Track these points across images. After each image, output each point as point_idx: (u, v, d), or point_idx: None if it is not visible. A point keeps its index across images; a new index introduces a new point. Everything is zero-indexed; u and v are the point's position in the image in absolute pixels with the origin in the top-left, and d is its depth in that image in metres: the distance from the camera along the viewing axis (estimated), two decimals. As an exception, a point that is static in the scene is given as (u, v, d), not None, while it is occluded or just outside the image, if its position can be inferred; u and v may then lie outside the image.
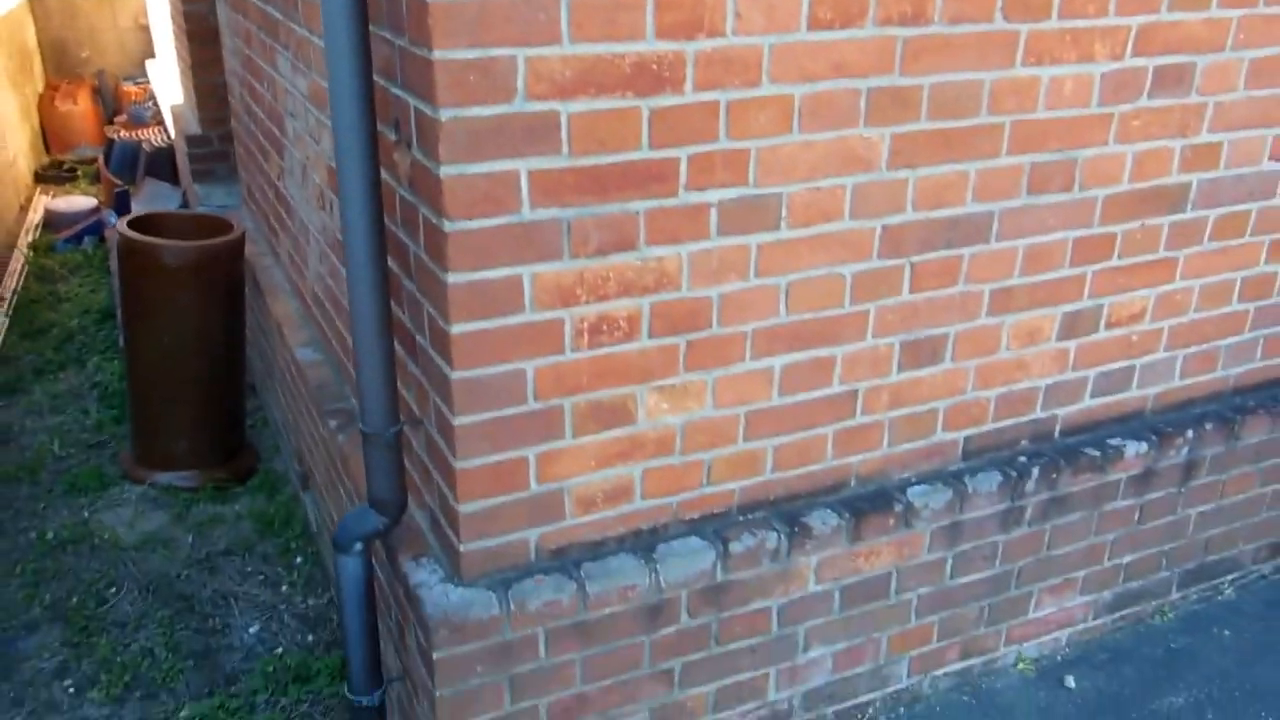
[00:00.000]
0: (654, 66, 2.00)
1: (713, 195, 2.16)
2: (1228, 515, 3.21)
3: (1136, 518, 3.02)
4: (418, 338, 2.25)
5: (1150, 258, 2.73)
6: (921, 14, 2.18)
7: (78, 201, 7.50)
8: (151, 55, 8.95)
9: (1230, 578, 3.34)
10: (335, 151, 2.06)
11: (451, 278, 2.01)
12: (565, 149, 2.00)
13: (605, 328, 2.18)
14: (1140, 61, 2.46)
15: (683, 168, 2.10)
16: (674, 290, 2.20)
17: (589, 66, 1.95)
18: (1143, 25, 2.42)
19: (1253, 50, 2.59)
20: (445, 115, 1.89)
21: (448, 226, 1.97)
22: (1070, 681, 2.99)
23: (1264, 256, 2.92)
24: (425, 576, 2.33)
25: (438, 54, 1.85)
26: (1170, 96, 2.55)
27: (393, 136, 2.17)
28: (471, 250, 2.01)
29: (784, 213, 2.23)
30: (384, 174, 2.22)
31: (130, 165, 7.17)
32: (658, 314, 2.21)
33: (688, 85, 2.04)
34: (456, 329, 2.05)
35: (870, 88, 2.20)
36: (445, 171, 1.94)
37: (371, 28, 2.05)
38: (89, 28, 9.98)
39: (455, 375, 2.09)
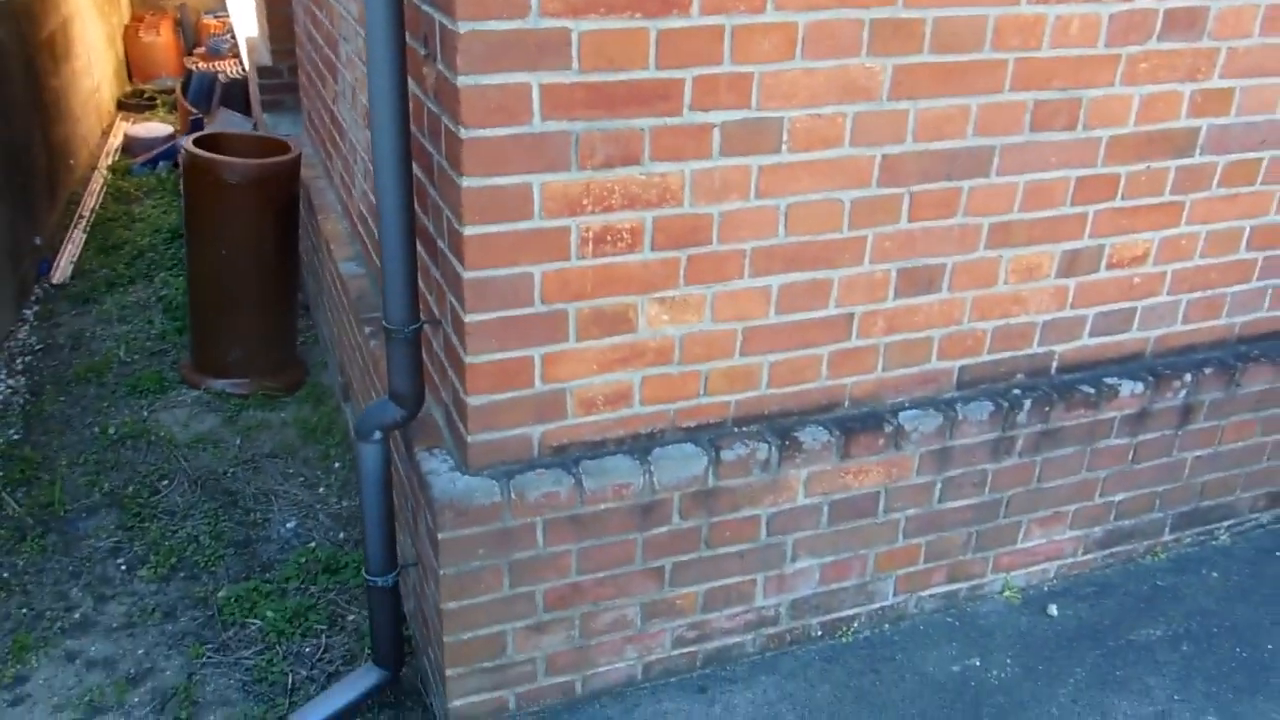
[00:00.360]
0: (662, -11, 2.11)
1: (716, 116, 2.26)
2: (1225, 461, 3.25)
3: (1130, 457, 3.08)
4: (439, 242, 2.41)
5: (1155, 201, 2.77)
6: (927, -53, 2.26)
7: (155, 128, 7.82)
8: (232, -10, 9.21)
9: (1226, 524, 3.38)
10: (368, 63, 2.21)
11: (466, 182, 2.16)
12: (575, 65, 2.12)
13: (609, 238, 2.31)
14: (1150, 3, 2.50)
15: (687, 88, 2.21)
16: (676, 206, 2.32)
17: (600, -14, 2.07)
18: (1154, -33, 2.46)
19: (1269, -5, 2.61)
20: (464, 28, 2.03)
21: (464, 134, 2.12)
22: (1053, 610, 3.08)
23: (1275, 206, 2.93)
24: (436, 465, 2.51)
25: (457, -26, 1.99)
26: (1181, 40, 2.58)
27: (422, 51, 2.31)
28: (485, 157, 2.15)
29: (785, 136, 2.33)
30: (414, 88, 2.37)
31: (206, 95, 7.45)
32: (660, 228, 2.33)
33: (694, 8, 2.15)
34: (469, 230, 2.20)
35: (873, 18, 2.28)
36: (463, 81, 2.07)
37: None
38: (174, -38, 10.29)
39: (467, 275, 2.25)
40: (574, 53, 2.11)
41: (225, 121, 6.84)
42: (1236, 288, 3.03)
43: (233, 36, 8.74)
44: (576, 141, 2.19)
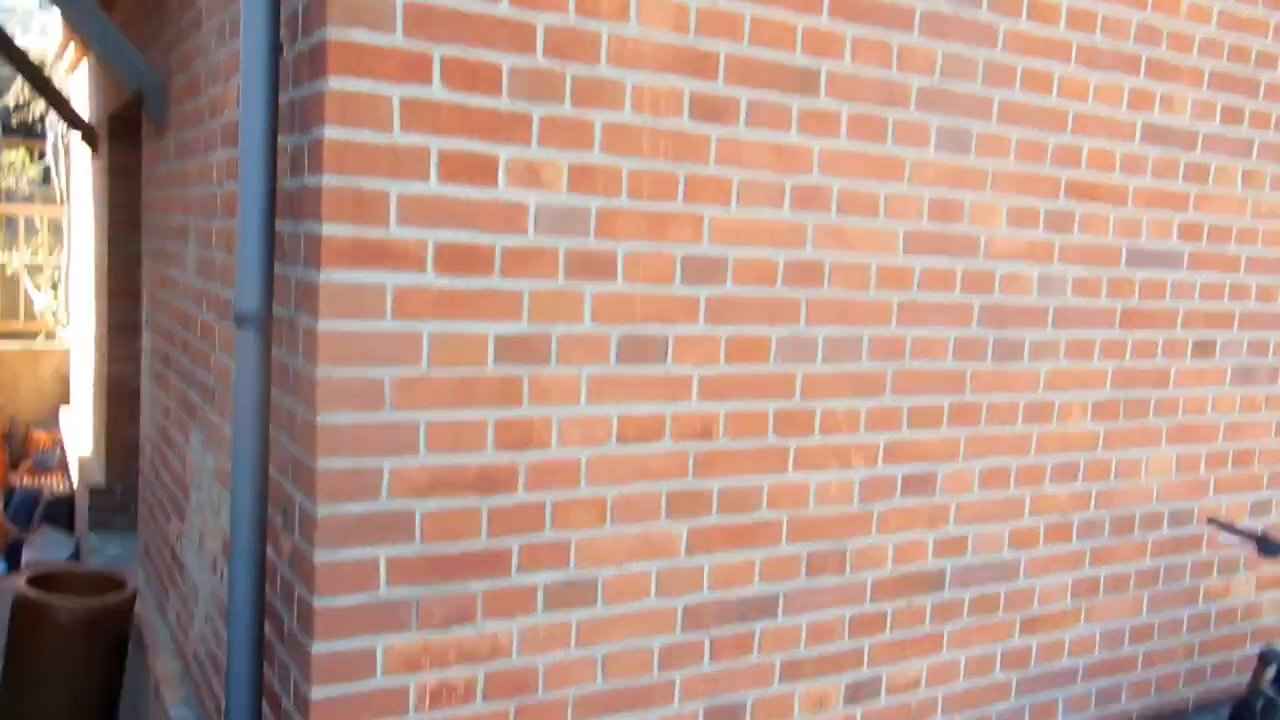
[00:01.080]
0: (492, 473, 2.52)
1: (540, 577, 2.62)
2: None
3: None
4: (284, 700, 2.57)
5: (919, 632, 3.23)
6: (709, 433, 2.79)
7: (-32, 547, 7.60)
8: (66, 402, 9.38)
9: None
10: (230, 522, 2.47)
11: (315, 648, 2.38)
12: (418, 539, 2.46)
13: (445, 693, 2.53)
14: (891, 469, 3.10)
15: (515, 555, 2.58)
16: (505, 659, 2.60)
17: (440, 473, 2.46)
18: (889, 441, 3.07)
19: (982, 460, 3.26)
20: (322, 512, 2.36)
21: (316, 603, 2.37)
22: None
23: (1017, 631, 3.43)
24: None
25: (321, 463, 2.34)
26: (918, 497, 3.16)
27: (279, 522, 2.61)
28: (335, 624, 2.39)
29: (600, 592, 2.69)
30: (270, 553, 2.63)
31: (28, 512, 7.40)
32: (491, 680, 2.59)
33: (519, 488, 2.56)
34: (316, 694, 2.39)
35: (669, 490, 2.76)
36: (319, 558, 2.36)
37: (272, 431, 2.56)
38: (11, 375, 10.43)
39: (311, 735, 2.41)
40: (417, 528, 2.45)
41: (47, 539, 6.78)
42: (999, 706, 3.44)
43: (62, 450, 8.80)
44: (418, 606, 2.48)
